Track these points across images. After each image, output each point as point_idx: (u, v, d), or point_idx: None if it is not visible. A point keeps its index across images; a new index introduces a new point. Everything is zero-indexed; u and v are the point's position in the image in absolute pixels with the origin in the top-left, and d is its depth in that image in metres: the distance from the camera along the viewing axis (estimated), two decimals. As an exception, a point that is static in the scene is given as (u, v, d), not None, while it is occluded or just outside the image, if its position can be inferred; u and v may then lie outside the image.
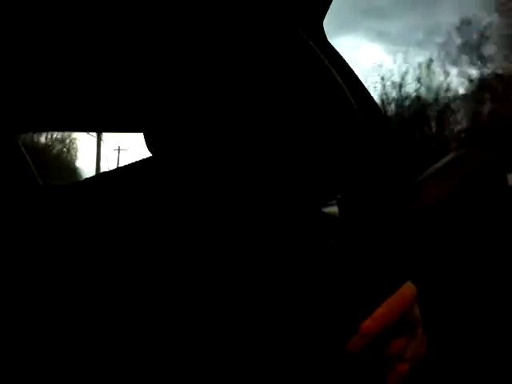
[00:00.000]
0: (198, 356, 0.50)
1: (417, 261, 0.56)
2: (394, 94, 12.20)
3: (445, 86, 11.27)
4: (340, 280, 0.53)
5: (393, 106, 12.09)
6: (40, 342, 0.50)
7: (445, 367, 0.58)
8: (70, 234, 0.54)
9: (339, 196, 0.81)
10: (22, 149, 1.73)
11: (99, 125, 1.71)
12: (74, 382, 0.49)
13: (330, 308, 0.51)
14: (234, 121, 0.57)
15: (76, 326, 0.50)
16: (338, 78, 0.77)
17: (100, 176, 0.66)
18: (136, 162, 0.63)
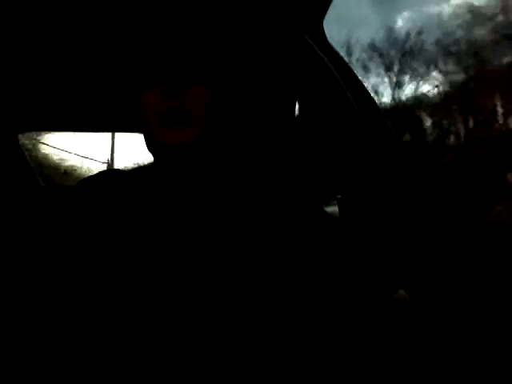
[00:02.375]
0: (199, 352, 0.51)
1: (414, 264, 0.56)
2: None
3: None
4: (339, 280, 0.53)
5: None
6: (39, 340, 0.50)
7: (443, 369, 0.58)
8: (70, 234, 0.54)
9: (339, 196, 0.81)
10: (22, 149, 1.72)
11: (99, 125, 1.71)
12: (74, 380, 0.49)
13: (328, 309, 0.51)
14: (233, 120, 0.57)
15: (76, 324, 0.50)
16: (338, 76, 0.77)
17: (101, 176, 0.66)
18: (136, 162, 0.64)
